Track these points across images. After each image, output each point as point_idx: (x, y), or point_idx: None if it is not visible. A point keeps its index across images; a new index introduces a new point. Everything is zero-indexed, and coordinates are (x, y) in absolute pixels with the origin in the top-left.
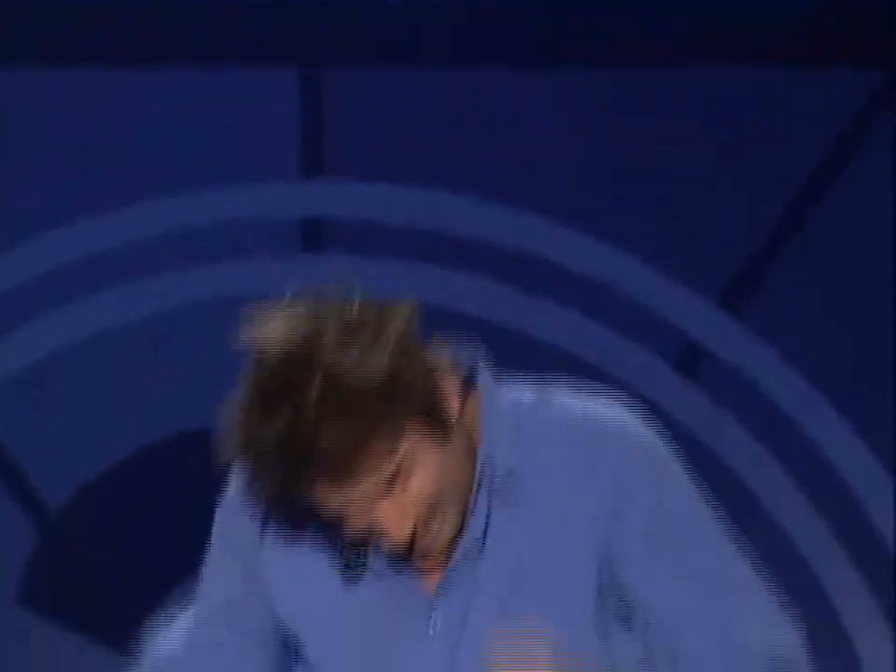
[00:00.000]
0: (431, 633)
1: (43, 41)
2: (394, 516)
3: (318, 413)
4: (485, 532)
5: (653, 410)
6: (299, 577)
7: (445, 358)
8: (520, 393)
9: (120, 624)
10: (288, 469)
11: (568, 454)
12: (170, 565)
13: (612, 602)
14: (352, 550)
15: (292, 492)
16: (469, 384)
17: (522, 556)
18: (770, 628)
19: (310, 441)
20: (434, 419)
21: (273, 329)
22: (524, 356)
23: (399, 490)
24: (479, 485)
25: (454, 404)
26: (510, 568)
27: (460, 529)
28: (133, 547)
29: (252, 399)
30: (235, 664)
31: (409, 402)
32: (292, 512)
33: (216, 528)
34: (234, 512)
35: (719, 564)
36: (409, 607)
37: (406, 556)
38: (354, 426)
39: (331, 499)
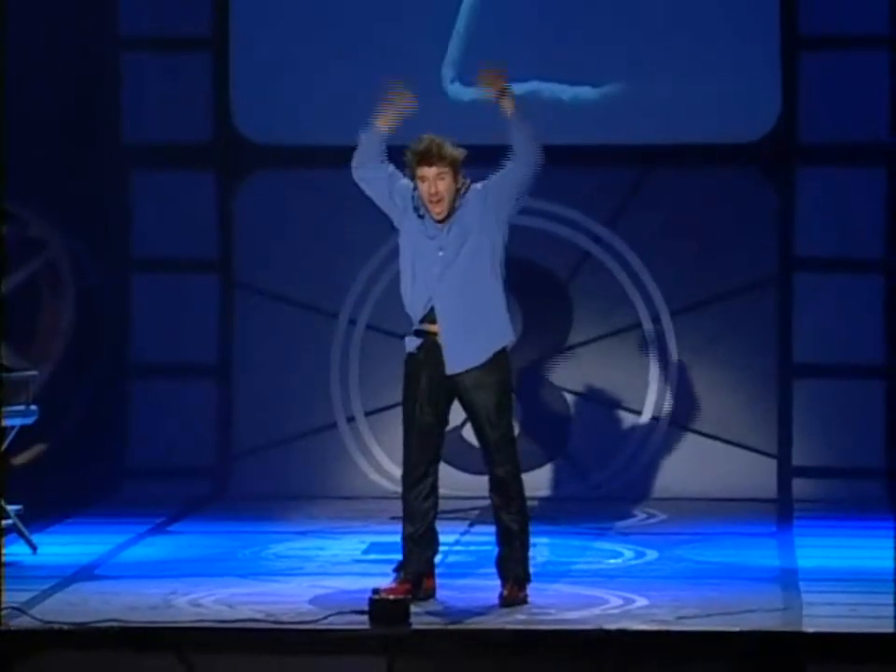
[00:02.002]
0: (440, 254)
1: None
2: (442, 187)
3: (441, 144)
4: (458, 213)
5: None
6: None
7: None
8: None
9: None
10: (418, 153)
11: (476, 192)
12: None
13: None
14: (422, 204)
15: (419, 165)
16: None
17: (471, 224)
18: None
19: (435, 145)
20: (457, 173)
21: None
22: None
23: (444, 181)
24: (462, 196)
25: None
26: (466, 228)
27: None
28: None
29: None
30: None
31: (457, 164)
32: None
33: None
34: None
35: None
36: (432, 237)
37: (437, 212)
38: (450, 150)
39: (428, 173)
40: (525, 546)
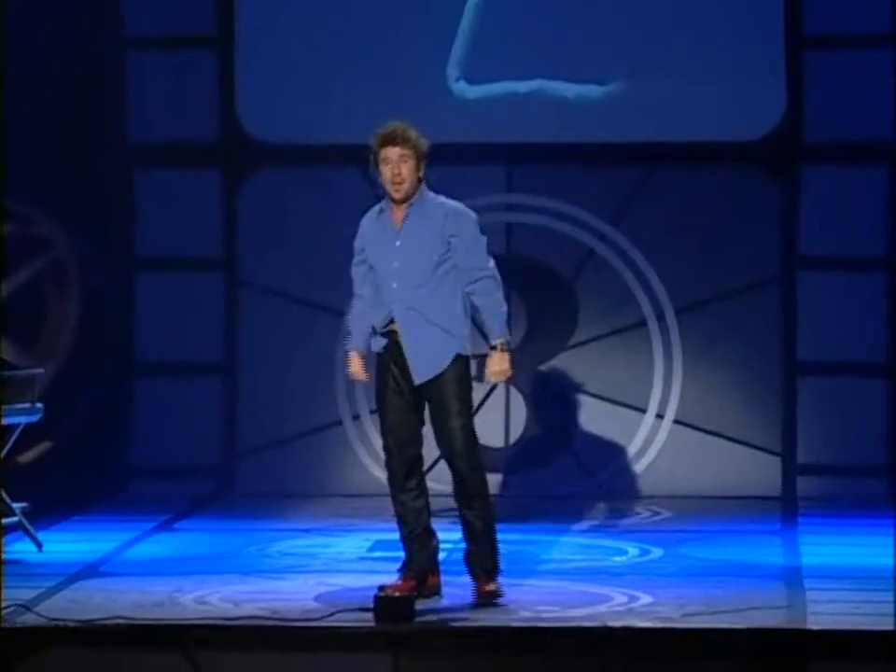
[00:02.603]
0: (398, 244)
1: None
2: (405, 170)
3: (406, 128)
4: (415, 206)
5: None
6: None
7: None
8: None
9: None
10: (382, 136)
11: (441, 205)
12: None
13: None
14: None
15: (383, 147)
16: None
17: (429, 230)
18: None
19: (400, 129)
20: (420, 160)
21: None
22: None
23: (406, 164)
24: (421, 192)
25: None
26: (424, 227)
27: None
28: None
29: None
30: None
31: (420, 151)
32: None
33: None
34: (360, 228)
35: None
36: (389, 234)
37: (396, 189)
38: (415, 134)
39: (391, 154)
40: (491, 541)
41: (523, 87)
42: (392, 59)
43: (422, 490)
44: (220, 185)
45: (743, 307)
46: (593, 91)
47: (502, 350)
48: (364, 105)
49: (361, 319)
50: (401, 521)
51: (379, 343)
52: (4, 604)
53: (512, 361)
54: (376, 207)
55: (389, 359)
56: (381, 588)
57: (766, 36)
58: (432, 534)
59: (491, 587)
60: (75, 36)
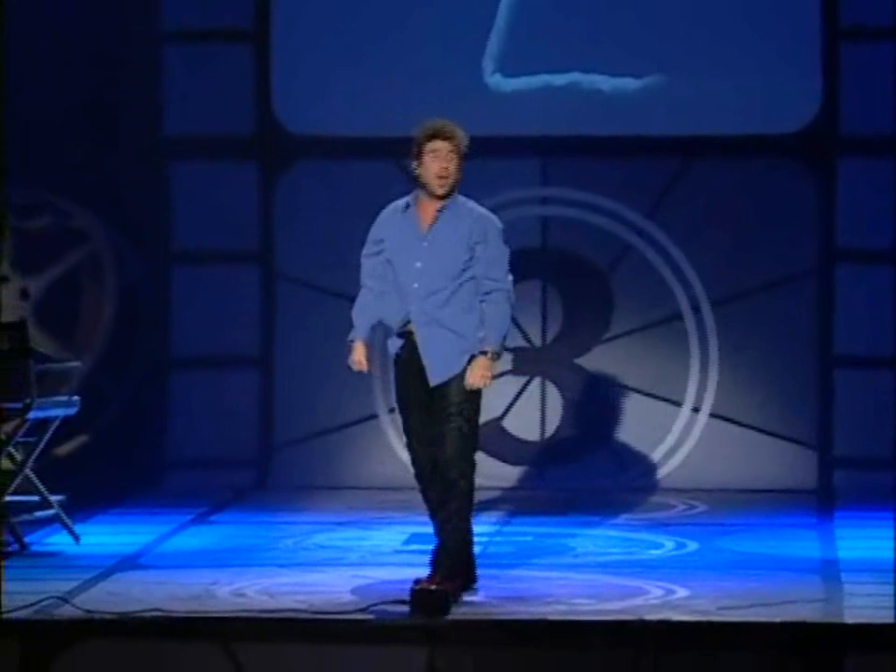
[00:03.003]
0: (425, 244)
1: None
2: (452, 166)
3: (454, 125)
4: (448, 209)
5: None
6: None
7: None
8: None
9: None
10: (431, 129)
11: (471, 210)
12: None
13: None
14: (421, 184)
15: (432, 140)
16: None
17: (459, 234)
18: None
19: (449, 125)
20: (462, 160)
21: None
22: None
23: (453, 161)
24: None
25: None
26: (448, 232)
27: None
28: None
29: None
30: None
31: (463, 151)
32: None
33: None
34: (380, 219)
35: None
36: (416, 232)
37: (441, 185)
38: (461, 133)
39: (441, 147)
40: (456, 544)
41: (559, 80)
42: (428, 52)
43: None
44: (256, 178)
45: (779, 300)
46: (629, 83)
47: (490, 359)
48: (399, 97)
49: (367, 310)
50: (432, 517)
51: (396, 345)
52: (42, 596)
53: (491, 375)
54: (401, 201)
55: (407, 360)
56: (417, 581)
57: (802, 29)
58: None
59: (440, 587)
60: (111, 30)
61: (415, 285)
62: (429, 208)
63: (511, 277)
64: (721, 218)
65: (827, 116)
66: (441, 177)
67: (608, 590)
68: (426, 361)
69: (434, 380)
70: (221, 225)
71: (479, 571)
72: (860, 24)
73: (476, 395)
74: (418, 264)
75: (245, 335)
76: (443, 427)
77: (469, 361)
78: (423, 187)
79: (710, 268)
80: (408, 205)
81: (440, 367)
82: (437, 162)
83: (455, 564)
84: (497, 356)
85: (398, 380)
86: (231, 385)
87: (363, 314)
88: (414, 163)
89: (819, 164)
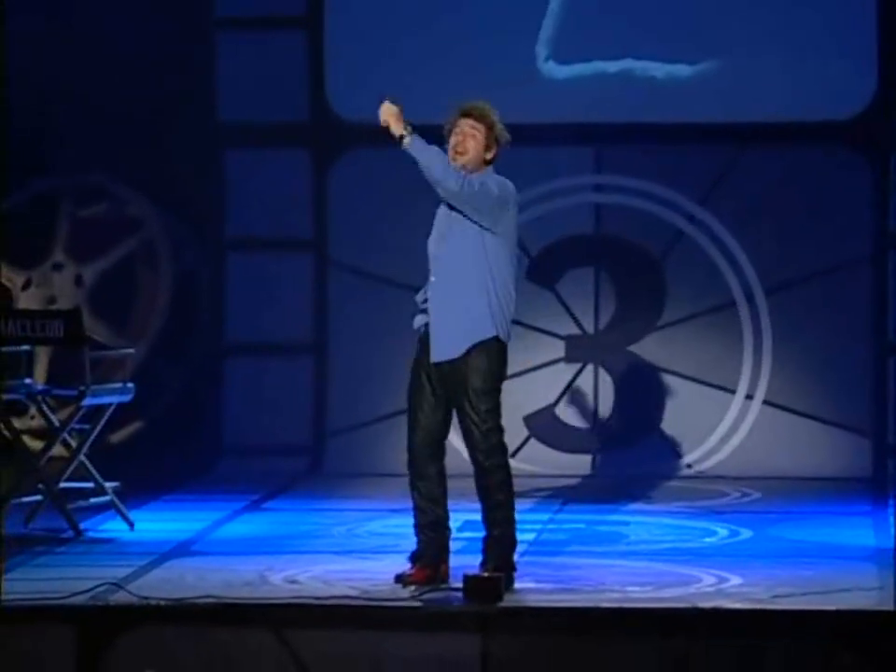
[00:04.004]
0: (443, 221)
1: None
2: (470, 144)
3: (488, 108)
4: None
5: None
6: None
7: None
8: None
9: None
10: (462, 107)
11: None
12: None
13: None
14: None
15: (459, 118)
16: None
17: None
18: None
19: (481, 105)
20: (492, 143)
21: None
22: None
23: (475, 139)
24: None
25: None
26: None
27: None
28: None
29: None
30: None
31: (494, 133)
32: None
33: None
34: None
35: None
36: (443, 209)
37: (454, 158)
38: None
39: (463, 124)
40: (507, 531)
41: (612, 67)
42: (481, 38)
43: (441, 476)
44: (310, 165)
45: (833, 287)
46: (682, 70)
47: (400, 136)
48: (453, 84)
49: None
50: (418, 509)
51: (420, 321)
52: (97, 582)
53: (396, 118)
54: None
55: (425, 339)
56: (397, 577)
57: (858, 16)
58: (447, 523)
59: (482, 573)
60: (165, 18)
61: (436, 252)
62: None
63: (476, 180)
64: (773, 206)
65: (881, 103)
66: (456, 152)
67: (660, 578)
68: (431, 334)
69: (435, 356)
70: (275, 212)
71: (532, 559)
72: None
73: (493, 383)
74: (436, 234)
75: (298, 322)
76: (470, 420)
77: (471, 349)
78: None
79: (763, 255)
80: None
81: (441, 345)
82: (455, 137)
83: (506, 551)
84: (403, 141)
85: (415, 361)
86: (285, 372)
87: None
88: (446, 139)
89: (872, 151)
